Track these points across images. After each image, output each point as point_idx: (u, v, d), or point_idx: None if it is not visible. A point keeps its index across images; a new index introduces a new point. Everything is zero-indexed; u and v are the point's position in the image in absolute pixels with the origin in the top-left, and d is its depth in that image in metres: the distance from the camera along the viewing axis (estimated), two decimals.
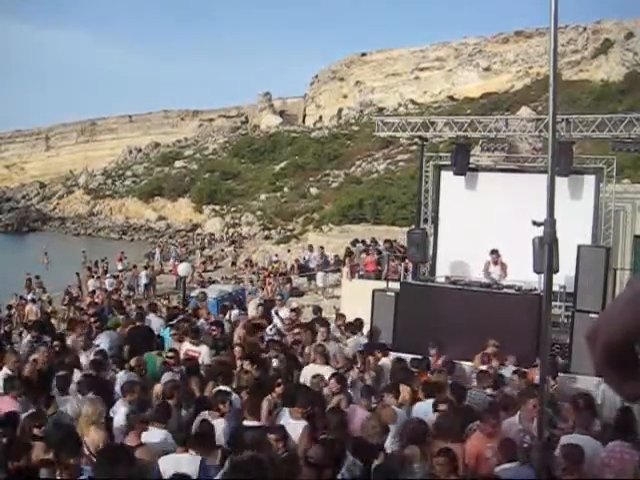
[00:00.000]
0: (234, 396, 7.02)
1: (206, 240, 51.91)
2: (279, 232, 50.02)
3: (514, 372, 8.88)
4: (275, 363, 8.99)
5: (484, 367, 9.23)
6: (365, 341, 10.90)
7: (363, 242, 22.35)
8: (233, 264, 36.69)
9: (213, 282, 25.72)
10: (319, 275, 24.20)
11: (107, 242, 54.38)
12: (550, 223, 4.46)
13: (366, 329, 11.99)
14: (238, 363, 8.81)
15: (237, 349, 9.47)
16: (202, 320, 11.62)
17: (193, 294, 17.67)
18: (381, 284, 14.25)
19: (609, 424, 7.16)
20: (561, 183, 11.85)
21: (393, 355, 10.08)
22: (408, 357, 9.74)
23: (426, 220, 15.52)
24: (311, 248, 27.10)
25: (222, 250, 43.71)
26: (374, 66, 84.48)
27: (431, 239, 14.70)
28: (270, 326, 11.75)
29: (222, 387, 7.28)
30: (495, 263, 12.52)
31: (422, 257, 14.00)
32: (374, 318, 12.50)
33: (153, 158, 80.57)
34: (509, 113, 51.02)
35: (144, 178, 72.88)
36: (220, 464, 5.58)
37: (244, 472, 4.60)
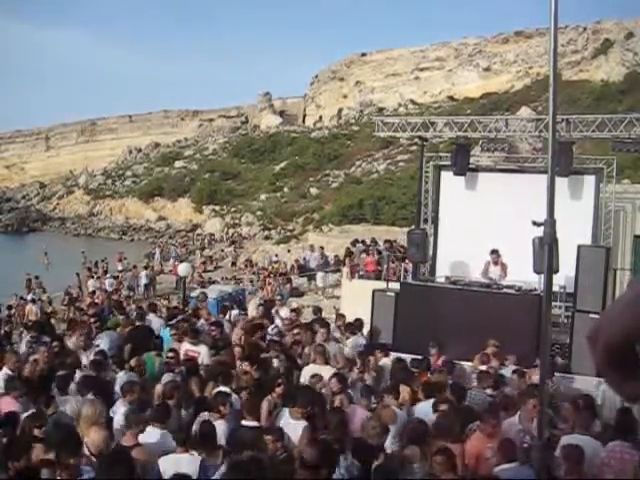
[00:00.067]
0: (234, 397, 7.02)
1: (206, 240, 51.91)
2: (279, 232, 50.03)
3: (513, 372, 8.89)
4: (275, 363, 9.00)
5: (484, 367, 9.24)
6: (364, 341, 10.89)
7: (363, 242, 22.36)
8: (233, 264, 36.70)
9: (213, 282, 25.73)
10: (319, 275, 24.21)
11: (107, 242, 54.39)
12: (550, 223, 4.46)
13: (366, 329, 11.99)
14: (238, 363, 8.80)
15: (237, 349, 9.47)
16: (202, 320, 11.62)
17: (193, 294, 17.67)
18: (381, 284, 14.26)
19: (609, 424, 7.17)
20: (561, 183, 11.85)
21: (393, 355, 10.08)
22: (408, 357, 9.74)
23: (426, 220, 15.52)
24: (312, 248, 27.11)
25: (222, 250, 43.71)
26: (374, 66, 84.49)
27: (431, 239, 14.70)
28: (272, 326, 11.75)
29: (222, 388, 7.28)
30: (495, 263, 12.52)
31: (422, 257, 14.01)
32: (374, 318, 12.50)
33: (153, 158, 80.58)
34: (509, 113, 51.01)
35: (144, 178, 72.89)
36: (221, 464, 5.59)
37: (243, 472, 4.59)
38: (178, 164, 73.82)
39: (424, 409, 7.30)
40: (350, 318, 11.65)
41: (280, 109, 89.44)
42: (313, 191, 57.49)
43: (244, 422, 6.36)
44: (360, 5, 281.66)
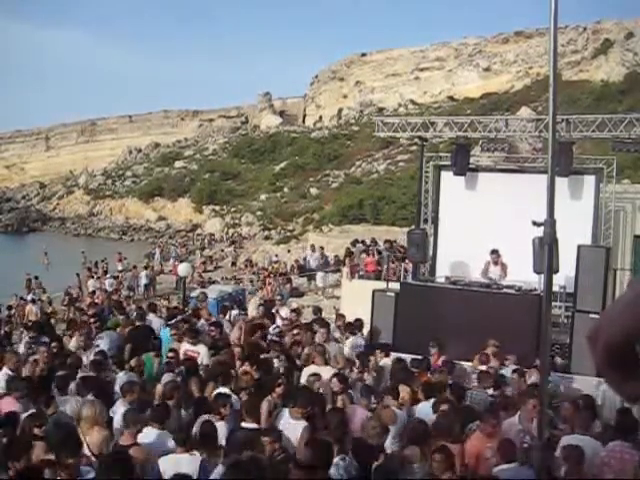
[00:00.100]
0: (234, 398, 7.02)
1: (206, 240, 51.91)
2: (279, 232, 50.02)
3: (513, 372, 8.89)
4: (275, 363, 8.99)
5: (483, 367, 9.24)
6: (363, 342, 10.89)
7: (363, 242, 22.36)
8: (233, 264, 36.70)
9: (213, 282, 25.74)
10: (319, 275, 24.21)
11: (107, 242, 54.38)
12: (550, 223, 4.46)
13: (366, 329, 11.99)
14: (237, 364, 8.80)
15: (236, 349, 9.46)
16: (202, 321, 11.61)
17: (193, 294, 17.67)
18: (381, 284, 14.25)
19: (609, 425, 7.17)
20: (561, 183, 11.85)
21: (393, 355, 10.09)
22: (408, 357, 9.74)
23: (426, 220, 15.52)
24: (313, 248, 27.11)
25: (222, 250, 43.72)
26: (374, 66, 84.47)
27: (431, 239, 14.70)
28: (273, 326, 11.75)
29: (222, 389, 7.28)
30: (495, 263, 12.52)
31: (422, 257, 14.00)
32: (374, 318, 12.50)
33: (153, 158, 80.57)
34: (509, 113, 50.99)
35: (144, 178, 72.88)
36: (217, 465, 5.59)
37: (243, 472, 4.59)
38: (178, 164, 73.80)
39: (424, 409, 7.31)
40: (350, 318, 11.66)
41: (280, 109, 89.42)
42: (313, 191, 57.48)
43: (244, 424, 6.35)
44: (360, 5, 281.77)
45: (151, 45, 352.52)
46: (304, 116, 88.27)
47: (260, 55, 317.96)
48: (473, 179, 14.66)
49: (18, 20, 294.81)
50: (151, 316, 11.71)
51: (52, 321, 17.09)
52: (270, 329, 11.49)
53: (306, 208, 53.27)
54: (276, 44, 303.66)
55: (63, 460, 4.85)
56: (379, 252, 19.74)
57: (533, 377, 8.60)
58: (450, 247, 14.40)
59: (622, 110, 39.31)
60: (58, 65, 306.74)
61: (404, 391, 7.73)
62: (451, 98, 74.39)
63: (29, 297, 22.26)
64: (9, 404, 6.66)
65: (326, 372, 8.16)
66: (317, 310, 13.13)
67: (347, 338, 10.92)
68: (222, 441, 6.14)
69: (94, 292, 23.33)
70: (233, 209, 59.97)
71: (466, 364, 10.02)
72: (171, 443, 5.85)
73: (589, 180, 13.74)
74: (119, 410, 6.67)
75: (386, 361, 9.76)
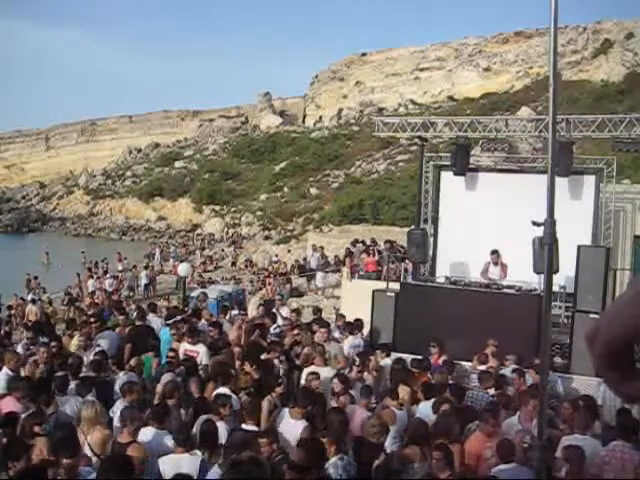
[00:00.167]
0: (234, 398, 7.01)
1: (206, 240, 51.92)
2: (279, 232, 50.02)
3: (512, 372, 8.89)
4: (275, 363, 8.99)
5: (483, 367, 9.25)
6: (362, 342, 10.88)
7: (363, 242, 22.37)
8: (233, 264, 36.72)
9: (213, 282, 25.75)
10: (319, 275, 24.21)
11: (107, 242, 54.38)
12: (550, 223, 4.45)
13: (366, 329, 11.98)
14: (237, 364, 8.80)
15: (236, 349, 9.46)
16: (203, 321, 11.61)
17: (193, 294, 17.67)
18: (381, 284, 14.24)
19: (609, 425, 7.17)
20: (561, 183, 11.84)
21: (394, 355, 10.08)
22: (408, 357, 9.74)
23: (426, 220, 15.51)
24: (314, 248, 27.11)
25: (222, 250, 43.73)
26: (374, 66, 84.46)
27: (431, 239, 14.69)
28: (274, 326, 11.74)
29: (222, 389, 7.28)
30: (495, 264, 12.51)
31: (422, 257, 13.99)
32: (374, 318, 12.49)
33: (153, 158, 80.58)
34: (509, 113, 51.06)
35: (144, 178, 72.89)
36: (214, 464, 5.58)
37: (243, 472, 4.59)
38: (178, 164, 73.82)
39: (424, 409, 7.31)
40: (350, 318, 11.65)
41: (280, 109, 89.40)
42: (313, 191, 57.46)
43: (244, 426, 6.35)
44: (360, 5, 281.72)
45: (151, 45, 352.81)
46: (304, 116, 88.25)
47: (260, 55, 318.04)
48: (473, 179, 14.65)
49: (18, 20, 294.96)
50: (151, 316, 11.71)
51: (52, 321, 17.11)
52: (271, 329, 11.49)
53: (306, 208, 53.26)
54: (276, 44, 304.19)
55: (61, 460, 4.86)
56: (379, 252, 19.74)
57: (530, 377, 8.61)
58: (450, 247, 14.40)
59: (622, 110, 39.33)
60: (58, 65, 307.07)
61: (404, 391, 7.73)
62: (451, 98, 74.38)
63: (29, 297, 22.25)
64: (9, 404, 6.66)
65: (326, 372, 8.16)
66: (317, 310, 13.13)
67: (346, 338, 10.92)
68: (222, 441, 6.14)
69: (94, 292, 23.35)
70: (233, 209, 59.98)
71: (466, 364, 10.02)
72: (170, 443, 5.85)
73: (589, 180, 13.73)
74: (119, 410, 6.68)
75: (387, 361, 9.76)
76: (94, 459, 5.61)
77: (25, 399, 6.73)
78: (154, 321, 11.44)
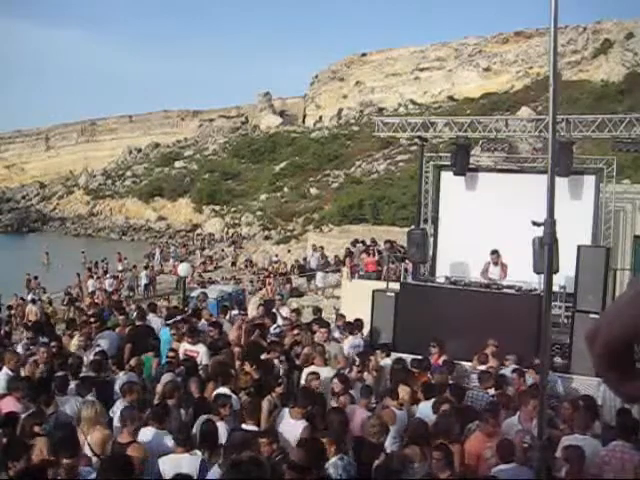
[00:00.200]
0: (234, 398, 7.01)
1: (206, 240, 51.92)
2: (279, 232, 50.02)
3: (512, 372, 8.90)
4: (275, 362, 8.98)
5: (483, 367, 9.25)
6: (361, 342, 10.88)
7: (363, 242, 22.37)
8: (233, 264, 36.72)
9: (213, 282, 25.75)
10: (319, 275, 24.20)
11: (107, 242, 54.39)
12: (550, 223, 4.45)
13: (366, 329, 11.98)
14: (237, 363, 8.80)
15: (236, 349, 9.46)
16: (203, 321, 11.61)
17: (193, 294, 17.67)
18: (381, 284, 14.24)
19: (610, 425, 7.17)
20: (561, 183, 11.84)
21: (394, 355, 10.08)
22: (408, 357, 9.74)
23: (426, 220, 15.51)
24: (315, 248, 27.11)
25: (222, 250, 43.73)
26: (374, 66, 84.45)
27: (431, 239, 14.69)
28: (274, 325, 11.74)
29: (222, 389, 7.28)
30: (495, 264, 12.51)
31: (422, 257, 13.99)
32: (374, 318, 12.49)
33: (153, 158, 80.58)
34: (509, 113, 51.07)
35: (144, 178, 72.89)
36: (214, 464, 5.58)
37: (243, 472, 4.59)
38: (178, 164, 73.82)
39: (424, 409, 7.31)
40: (350, 318, 11.65)
41: (280, 109, 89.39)
42: (313, 191, 57.46)
43: (244, 426, 6.35)
44: (360, 5, 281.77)
45: (151, 45, 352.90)
46: (304, 116, 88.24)
47: (260, 55, 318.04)
48: (473, 179, 14.66)
49: (18, 20, 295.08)
50: (151, 316, 11.71)
51: (52, 321, 17.11)
52: (271, 329, 11.49)
53: (306, 208, 53.25)
54: (276, 44, 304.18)
55: (61, 460, 4.86)
56: (379, 252, 19.74)
57: (530, 377, 8.61)
58: (450, 247, 14.40)
59: (622, 110, 39.33)
60: (58, 65, 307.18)
61: (404, 391, 7.73)
62: (451, 98, 74.38)
63: (29, 297, 22.25)
64: (9, 404, 6.66)
65: (325, 372, 8.16)
66: (317, 310, 13.14)
67: (346, 338, 10.92)
68: (222, 441, 6.14)
69: (94, 292, 23.35)
70: (233, 209, 59.97)
71: (466, 364, 10.02)
72: (170, 443, 5.85)
73: (589, 180, 13.73)
74: (119, 410, 6.68)
75: (387, 361, 9.76)
76: (94, 459, 5.61)
77: (25, 399, 6.73)
78: (154, 321, 11.43)
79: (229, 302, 16.85)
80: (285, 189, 60.43)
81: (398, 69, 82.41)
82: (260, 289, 24.26)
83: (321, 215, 48.80)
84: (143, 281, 27.05)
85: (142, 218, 65.17)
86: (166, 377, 7.85)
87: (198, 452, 5.67)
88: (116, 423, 6.46)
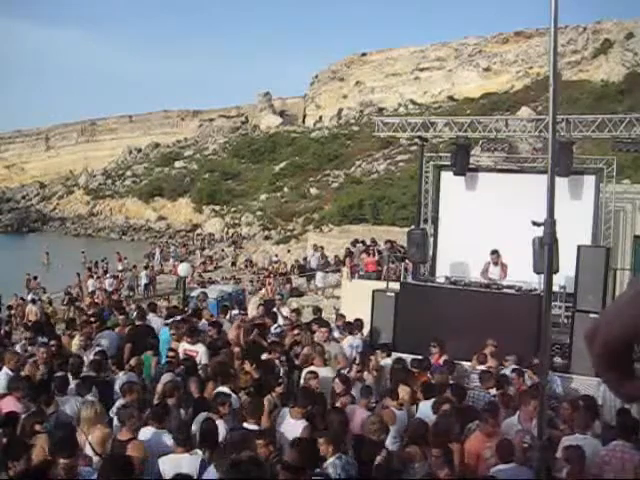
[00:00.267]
0: (233, 397, 7.01)
1: (206, 240, 51.93)
2: (279, 232, 50.02)
3: (512, 371, 8.90)
4: (276, 363, 8.98)
5: (481, 367, 9.25)
6: (359, 341, 10.88)
7: (363, 242, 22.37)
8: (233, 264, 36.72)
9: (213, 282, 25.75)
10: (319, 275, 24.20)
11: (107, 242, 54.39)
12: (550, 223, 4.46)
13: (366, 329, 11.98)
14: (237, 363, 8.79)
15: (235, 349, 9.45)
16: (204, 321, 11.61)
17: (193, 294, 17.67)
18: (381, 284, 14.24)
19: (610, 425, 7.17)
20: (561, 183, 11.84)
21: (393, 355, 10.08)
22: (408, 357, 9.74)
23: (426, 220, 15.51)
24: (315, 247, 27.11)
25: (222, 250, 43.74)
26: (374, 66, 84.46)
27: (431, 239, 14.69)
28: (275, 325, 11.74)
29: (222, 388, 7.27)
30: (495, 264, 12.51)
31: (422, 257, 13.99)
32: (374, 318, 12.49)
33: (153, 158, 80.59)
34: (509, 113, 51.08)
35: (144, 178, 72.89)
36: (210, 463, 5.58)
37: (243, 472, 4.59)
38: (178, 164, 73.83)
39: (425, 409, 7.31)
40: (350, 318, 11.65)
41: (280, 109, 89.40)
42: (313, 191, 57.47)
43: (246, 424, 6.35)
44: (360, 5, 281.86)
45: (151, 45, 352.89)
46: (304, 116, 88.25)
47: (260, 55, 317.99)
48: (473, 179, 14.66)
49: (18, 20, 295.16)
50: (151, 316, 11.71)
51: (52, 321, 17.11)
52: (272, 328, 11.49)
53: (306, 208, 53.26)
54: (276, 44, 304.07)
55: (58, 460, 4.86)
56: (379, 252, 19.74)
57: (529, 378, 8.61)
58: (450, 247, 14.40)
59: (622, 110, 39.33)
60: (58, 65, 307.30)
61: (404, 391, 7.73)
62: (451, 98, 74.39)
63: (29, 297, 22.25)
64: (9, 404, 6.66)
65: (325, 372, 8.15)
66: (317, 310, 13.13)
67: (344, 338, 10.91)
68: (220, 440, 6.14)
69: (94, 292, 23.35)
70: (233, 209, 59.98)
71: (466, 364, 10.02)
72: (170, 442, 5.84)
73: (589, 180, 13.73)
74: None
75: (387, 361, 9.75)
76: (95, 459, 5.61)
77: (25, 399, 6.74)
78: (154, 321, 11.43)
79: (229, 302, 16.85)
80: (285, 189, 60.43)
81: (398, 69, 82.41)
82: (260, 289, 24.25)
83: (321, 215, 48.81)
84: (143, 281, 27.05)
85: (142, 218, 65.17)
86: (166, 377, 7.84)
87: (199, 452, 5.67)
88: (116, 423, 6.46)
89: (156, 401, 7.12)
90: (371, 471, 5.67)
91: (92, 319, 11.84)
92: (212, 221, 58.87)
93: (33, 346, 9.69)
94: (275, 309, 13.11)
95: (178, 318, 11.00)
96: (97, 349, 9.35)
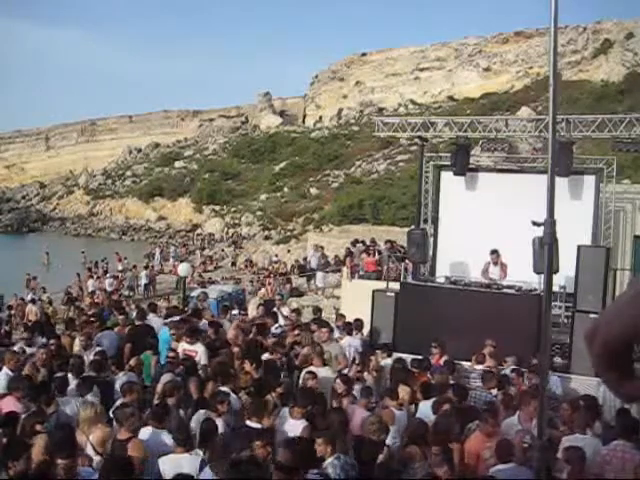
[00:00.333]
0: (233, 397, 7.01)
1: (206, 240, 51.92)
2: (279, 232, 50.02)
3: (512, 371, 8.90)
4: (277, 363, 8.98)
5: (480, 367, 9.25)
6: (358, 342, 10.88)
7: (363, 242, 22.36)
8: (233, 264, 36.71)
9: (213, 282, 25.74)
10: (319, 275, 24.19)
11: (107, 242, 54.39)
12: (550, 223, 4.46)
13: (366, 329, 11.98)
14: (237, 363, 8.79)
15: (235, 349, 9.45)
16: (204, 321, 11.60)
17: (193, 294, 17.67)
18: (381, 284, 14.24)
19: (610, 425, 7.16)
20: (561, 183, 11.84)
21: (394, 355, 10.08)
22: (408, 357, 9.74)
23: (426, 220, 15.52)
24: (316, 247, 27.09)
25: (222, 250, 43.73)
26: (374, 66, 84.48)
27: (431, 239, 14.69)
28: (275, 325, 11.73)
29: (222, 388, 7.27)
30: (495, 263, 12.52)
31: (422, 257, 14.00)
32: (374, 318, 12.49)
33: (153, 158, 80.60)
34: (509, 113, 51.09)
35: (144, 178, 72.90)
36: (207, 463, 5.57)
37: (243, 472, 4.59)
38: (178, 164, 73.84)
39: (425, 410, 7.30)
40: (350, 318, 11.65)
41: (280, 109, 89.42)
42: (313, 191, 57.47)
43: (248, 422, 6.34)
44: (360, 5, 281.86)
45: (151, 45, 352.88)
46: (304, 116, 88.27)
47: (260, 55, 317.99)
48: (473, 179, 14.66)
49: (18, 20, 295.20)
50: (151, 316, 11.70)
51: (52, 321, 17.10)
52: (272, 328, 11.48)
53: (306, 208, 53.26)
54: (276, 44, 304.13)
55: (56, 460, 4.86)
56: (379, 252, 19.73)
57: (529, 378, 8.61)
58: (450, 247, 14.40)
59: (622, 110, 39.34)
60: (58, 65, 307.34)
61: (404, 391, 7.73)
62: (451, 98, 74.40)
63: (29, 297, 22.25)
64: (9, 404, 6.66)
65: (324, 372, 8.15)
66: (317, 310, 13.13)
67: (343, 338, 10.90)
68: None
69: (94, 292, 23.35)
70: (233, 209, 59.98)
71: (466, 364, 10.02)
72: (170, 442, 5.84)
73: (589, 180, 13.74)
74: None
75: (387, 361, 9.75)
76: (96, 458, 5.61)
77: (25, 399, 6.73)
78: (154, 321, 11.42)
79: (229, 302, 16.84)
80: (285, 189, 60.44)
81: (398, 69, 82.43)
82: (260, 289, 24.24)
83: (321, 215, 48.81)
84: (143, 281, 27.04)
85: (142, 218, 65.17)
86: (166, 377, 7.84)
87: (199, 452, 5.67)
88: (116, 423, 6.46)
89: (156, 401, 7.12)
90: (371, 471, 5.67)
91: (92, 319, 11.84)
92: (212, 221, 58.88)
93: (30, 347, 9.68)
94: (275, 309, 13.10)
95: (176, 318, 10.98)
96: (97, 349, 9.34)
